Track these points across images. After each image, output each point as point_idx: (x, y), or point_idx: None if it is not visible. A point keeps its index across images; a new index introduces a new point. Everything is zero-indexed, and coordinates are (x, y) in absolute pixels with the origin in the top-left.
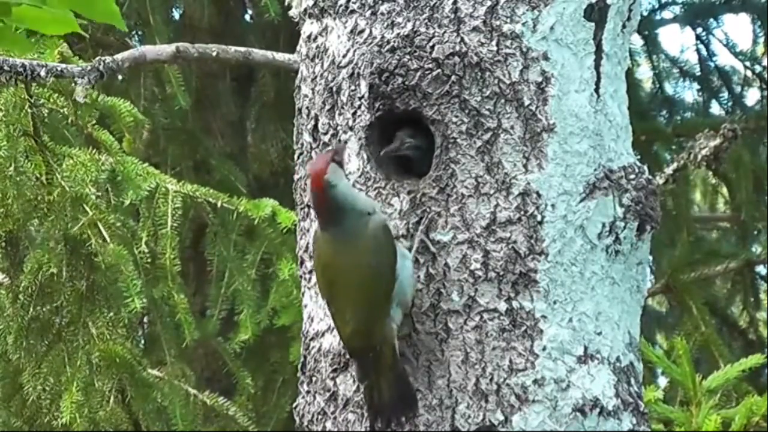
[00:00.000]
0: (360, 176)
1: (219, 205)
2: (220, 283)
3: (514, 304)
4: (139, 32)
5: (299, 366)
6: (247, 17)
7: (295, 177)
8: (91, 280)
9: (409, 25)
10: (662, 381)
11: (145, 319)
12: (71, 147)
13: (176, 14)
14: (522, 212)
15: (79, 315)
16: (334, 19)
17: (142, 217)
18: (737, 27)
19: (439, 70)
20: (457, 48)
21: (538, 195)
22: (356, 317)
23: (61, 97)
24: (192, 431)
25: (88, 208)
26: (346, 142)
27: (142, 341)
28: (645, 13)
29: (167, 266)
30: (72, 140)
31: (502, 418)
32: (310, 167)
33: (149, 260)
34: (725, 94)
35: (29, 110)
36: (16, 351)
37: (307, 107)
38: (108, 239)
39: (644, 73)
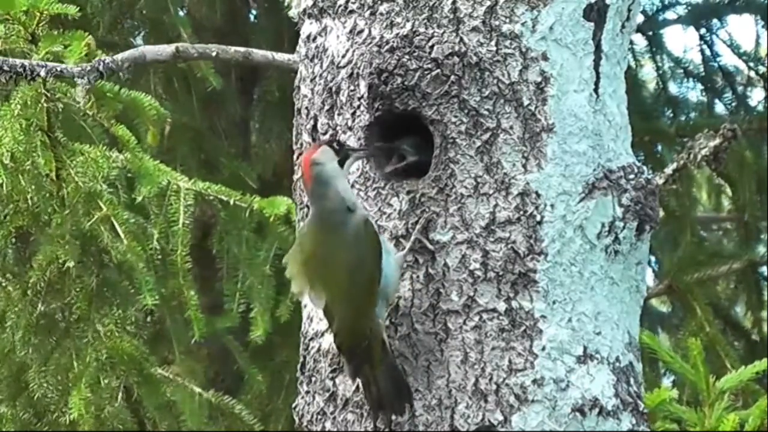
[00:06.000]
0: (359, 176)
1: (232, 202)
2: (232, 280)
3: (514, 304)
4: (144, 31)
5: (299, 366)
6: (251, 17)
7: (295, 177)
8: (101, 276)
9: (408, 25)
10: (664, 381)
11: (148, 318)
12: (84, 143)
13: (181, 14)
14: (521, 212)
15: (88, 312)
16: (334, 19)
17: (152, 214)
18: (741, 28)
19: (439, 70)
20: (457, 48)
21: (538, 195)
22: (342, 313)
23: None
24: (199, 431)
25: (102, 204)
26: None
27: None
28: (649, 14)
29: (178, 263)
30: (90, 131)
31: (501, 418)
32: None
33: (160, 257)
34: (729, 95)
35: (45, 105)
36: (24, 347)
37: (306, 107)
38: (122, 235)
39: (648, 74)
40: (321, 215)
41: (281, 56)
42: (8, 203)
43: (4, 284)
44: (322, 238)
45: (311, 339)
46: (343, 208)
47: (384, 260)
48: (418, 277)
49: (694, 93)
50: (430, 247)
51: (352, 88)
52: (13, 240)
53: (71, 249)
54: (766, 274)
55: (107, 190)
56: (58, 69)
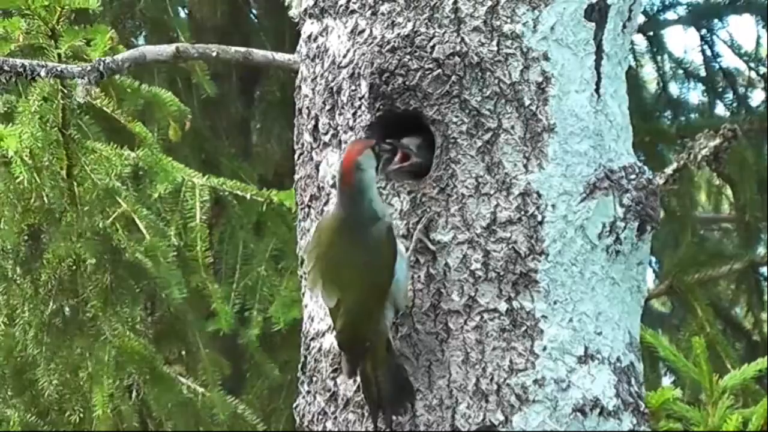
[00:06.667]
0: None
1: (248, 197)
2: (228, 281)
3: (515, 304)
4: (145, 31)
5: (299, 366)
6: (252, 17)
7: (296, 177)
8: (115, 275)
9: (410, 25)
10: (664, 381)
11: (149, 319)
12: (96, 141)
13: (182, 13)
14: (522, 212)
15: (104, 309)
16: (335, 19)
17: (167, 212)
18: (741, 28)
19: (440, 70)
20: (458, 48)
21: (539, 195)
22: (349, 312)
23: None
24: (201, 430)
25: (121, 201)
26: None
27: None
28: (649, 14)
29: (199, 258)
30: (87, 130)
31: (502, 418)
32: (349, 145)
33: (176, 253)
34: (730, 95)
35: (61, 101)
36: (38, 346)
37: (307, 107)
38: (144, 231)
39: (649, 74)
40: (348, 217)
41: (282, 56)
42: (20, 200)
43: (18, 281)
44: (343, 238)
45: (312, 339)
46: (372, 216)
47: (397, 265)
48: (419, 277)
49: (695, 93)
50: (432, 247)
51: (353, 88)
52: (26, 237)
53: (88, 246)
54: (766, 274)
55: (122, 187)
56: (59, 69)
